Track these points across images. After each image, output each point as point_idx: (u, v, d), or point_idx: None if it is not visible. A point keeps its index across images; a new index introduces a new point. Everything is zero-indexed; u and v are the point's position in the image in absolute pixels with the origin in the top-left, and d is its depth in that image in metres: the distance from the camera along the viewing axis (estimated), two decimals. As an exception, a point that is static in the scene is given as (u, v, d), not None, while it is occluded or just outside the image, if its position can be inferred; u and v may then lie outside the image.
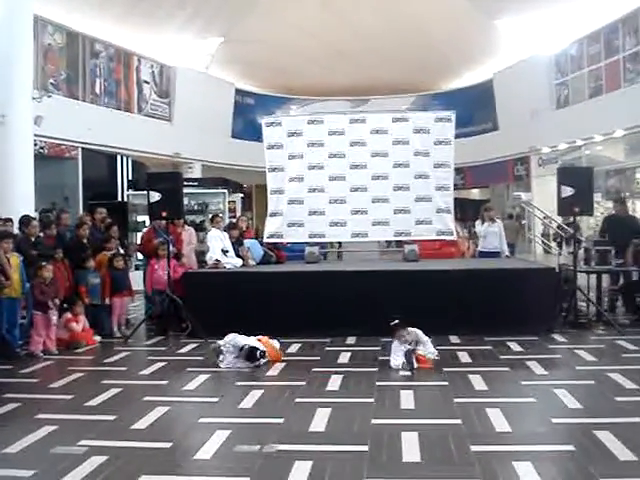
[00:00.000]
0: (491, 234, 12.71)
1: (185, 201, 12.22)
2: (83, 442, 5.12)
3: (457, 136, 12.10)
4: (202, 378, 7.29)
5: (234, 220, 13.94)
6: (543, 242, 18.15)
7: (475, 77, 26.02)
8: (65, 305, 9.55)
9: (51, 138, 16.52)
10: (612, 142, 19.38)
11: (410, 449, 4.86)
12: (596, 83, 19.98)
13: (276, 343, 8.15)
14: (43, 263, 9.07)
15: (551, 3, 19.11)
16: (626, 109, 17.46)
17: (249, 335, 8.01)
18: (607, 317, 10.16)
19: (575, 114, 20.36)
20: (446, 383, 6.81)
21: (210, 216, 13.11)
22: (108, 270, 10.37)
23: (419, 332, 7.66)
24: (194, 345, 9.05)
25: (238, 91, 25.86)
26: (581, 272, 10.45)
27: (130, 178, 21.86)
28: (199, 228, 14.46)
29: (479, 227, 12.96)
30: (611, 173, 20.01)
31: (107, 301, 10.24)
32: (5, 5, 12.23)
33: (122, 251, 11.33)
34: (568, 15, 19.62)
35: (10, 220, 10.17)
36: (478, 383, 6.74)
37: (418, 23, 21.52)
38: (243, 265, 11.11)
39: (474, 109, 24.84)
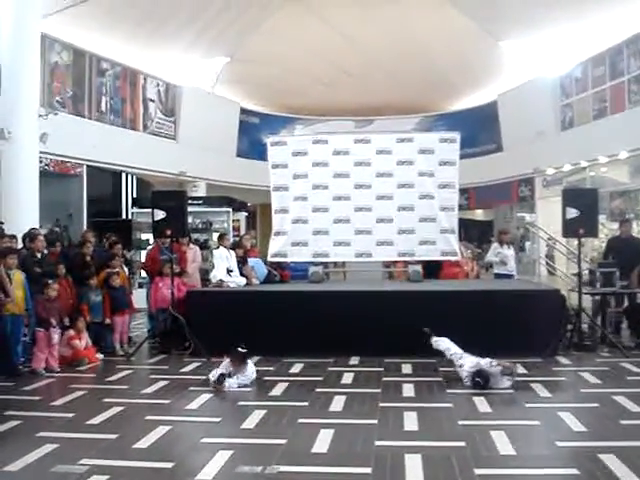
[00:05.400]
0: (510, 257, 12.88)
1: (189, 219, 12.24)
2: (84, 461, 5.09)
3: (461, 157, 12.02)
4: (204, 397, 7.26)
5: (237, 239, 13.94)
6: (547, 263, 18.11)
7: (480, 98, 26.08)
8: (68, 322, 9.53)
9: (56, 155, 16.56)
10: (616, 164, 19.37)
11: (413, 471, 4.82)
12: (601, 105, 20.04)
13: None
14: (49, 281, 9.06)
15: (556, 25, 19.19)
16: (630, 131, 17.48)
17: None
18: (612, 339, 10.12)
19: (580, 136, 20.38)
20: (450, 405, 6.77)
21: (217, 235, 13.07)
22: (107, 289, 10.37)
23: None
24: (197, 364, 9.01)
25: (243, 110, 25.92)
26: (586, 294, 10.42)
27: (134, 196, 21.89)
28: (203, 246, 14.45)
29: (499, 250, 12.93)
30: (615, 195, 19.99)
31: (107, 320, 10.21)
32: (12, 23, 12.34)
33: (126, 269, 11.31)
34: (573, 37, 19.71)
35: (14, 237, 10.19)
36: (482, 405, 6.71)
37: (423, 44, 21.63)
38: (247, 284, 11.11)
39: (478, 130, 24.87)
